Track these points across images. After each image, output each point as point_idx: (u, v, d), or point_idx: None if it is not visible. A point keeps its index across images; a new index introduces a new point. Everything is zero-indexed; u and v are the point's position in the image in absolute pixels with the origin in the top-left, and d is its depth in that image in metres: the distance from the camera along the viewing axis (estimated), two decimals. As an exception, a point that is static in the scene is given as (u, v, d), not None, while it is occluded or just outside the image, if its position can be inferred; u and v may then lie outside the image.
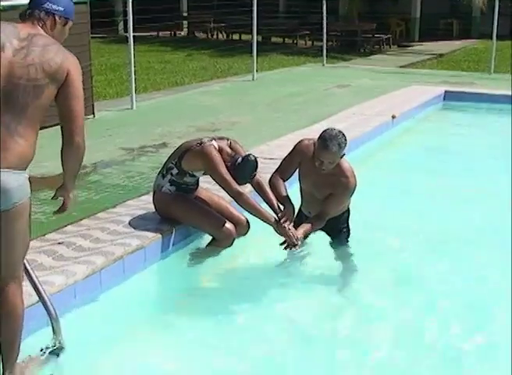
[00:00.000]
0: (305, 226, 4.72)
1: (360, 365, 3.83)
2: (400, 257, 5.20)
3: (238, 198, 4.72)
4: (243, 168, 4.73)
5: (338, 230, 5.04)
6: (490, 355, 3.95)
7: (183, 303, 4.52)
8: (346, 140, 4.56)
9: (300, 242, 4.64)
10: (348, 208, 5.02)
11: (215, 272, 4.92)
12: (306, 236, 4.75)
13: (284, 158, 4.94)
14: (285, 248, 4.68)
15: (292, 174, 4.93)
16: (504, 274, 4.83)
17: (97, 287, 4.23)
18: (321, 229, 4.93)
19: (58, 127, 3.29)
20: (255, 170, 4.78)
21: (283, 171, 4.90)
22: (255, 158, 4.77)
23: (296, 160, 4.84)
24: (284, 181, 4.87)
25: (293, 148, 4.89)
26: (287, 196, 4.82)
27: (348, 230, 5.10)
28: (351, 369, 3.81)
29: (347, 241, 5.12)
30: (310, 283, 4.81)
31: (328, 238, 5.09)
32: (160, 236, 4.77)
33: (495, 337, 4.12)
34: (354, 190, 4.72)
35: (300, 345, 4.02)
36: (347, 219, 5.07)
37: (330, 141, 4.47)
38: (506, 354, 3.83)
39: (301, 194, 5.00)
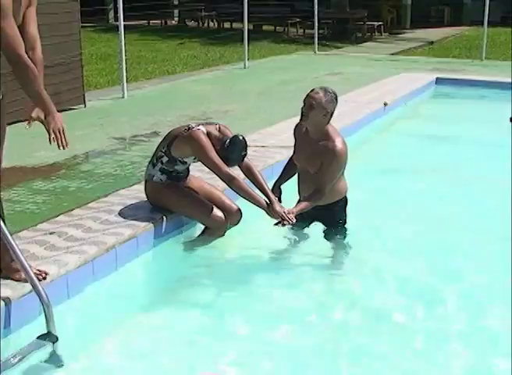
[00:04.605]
0: (301, 205, 4.73)
1: (359, 355, 3.82)
2: (397, 247, 5.19)
3: (230, 181, 4.69)
4: (232, 149, 4.71)
5: (332, 220, 4.99)
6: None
7: (175, 292, 4.53)
8: (336, 97, 4.79)
9: (293, 218, 4.61)
10: (345, 197, 4.95)
11: (207, 261, 4.91)
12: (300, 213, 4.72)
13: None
14: (276, 224, 4.65)
15: None
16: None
17: (89, 276, 4.22)
18: (317, 219, 4.96)
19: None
20: (245, 150, 4.77)
21: (293, 153, 5.01)
22: (243, 138, 4.75)
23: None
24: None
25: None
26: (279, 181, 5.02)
27: (344, 222, 5.02)
28: (345, 357, 3.81)
29: (343, 232, 5.04)
30: (303, 272, 4.80)
31: (322, 228, 5.05)
32: (152, 225, 4.76)
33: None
34: (346, 158, 4.69)
35: (293, 333, 4.02)
36: (344, 209, 4.99)
37: (318, 87, 4.84)
38: None
39: (298, 178, 5.00)
